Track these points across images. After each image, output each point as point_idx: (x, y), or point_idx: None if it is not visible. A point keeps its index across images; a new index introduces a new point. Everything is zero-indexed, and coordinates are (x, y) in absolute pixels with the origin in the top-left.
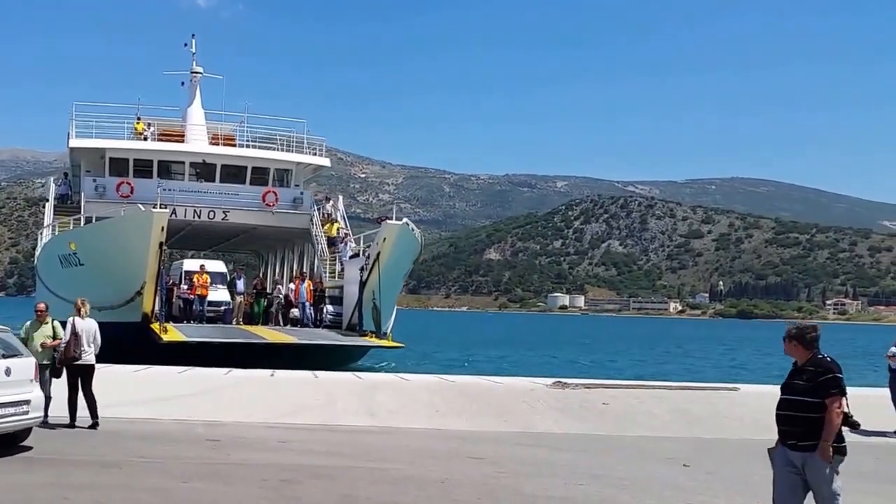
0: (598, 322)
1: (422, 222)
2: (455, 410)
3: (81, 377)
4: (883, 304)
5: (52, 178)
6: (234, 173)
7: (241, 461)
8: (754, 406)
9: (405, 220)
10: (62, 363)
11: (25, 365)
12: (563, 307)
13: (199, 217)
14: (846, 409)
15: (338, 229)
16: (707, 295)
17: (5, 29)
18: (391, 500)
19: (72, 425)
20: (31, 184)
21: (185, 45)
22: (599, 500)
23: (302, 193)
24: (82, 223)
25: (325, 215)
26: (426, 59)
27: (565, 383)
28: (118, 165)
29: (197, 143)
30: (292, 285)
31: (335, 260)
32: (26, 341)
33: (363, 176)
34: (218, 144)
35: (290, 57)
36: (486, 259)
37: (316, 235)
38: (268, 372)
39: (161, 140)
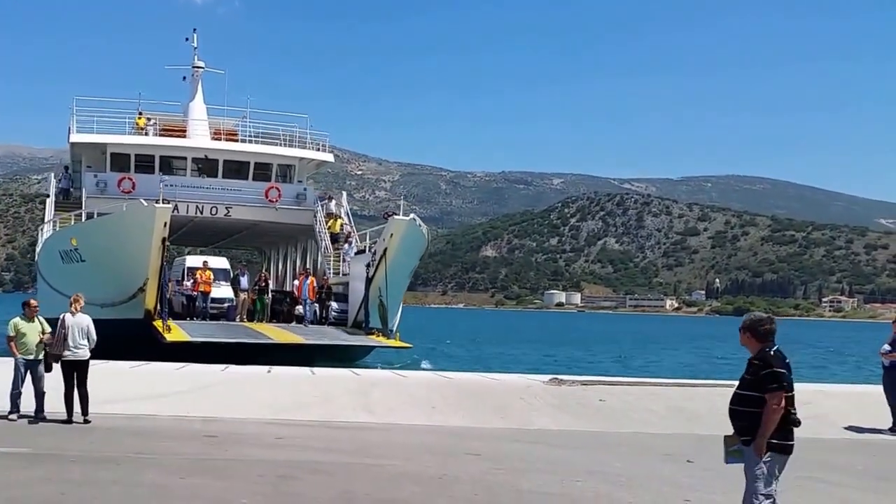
0: (606, 320)
1: None
2: (452, 407)
3: (76, 373)
4: (879, 302)
5: (52, 174)
6: (236, 169)
7: (239, 457)
8: None
9: (412, 215)
10: (53, 359)
11: None
12: (560, 304)
13: (202, 213)
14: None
15: (341, 225)
16: (703, 292)
17: (1, 26)
18: (389, 496)
19: (69, 421)
20: (27, 180)
21: (187, 39)
22: (596, 496)
23: (305, 189)
24: (83, 219)
25: (328, 214)
26: (423, 57)
27: (562, 380)
28: (119, 161)
29: (199, 138)
30: (296, 282)
31: (339, 257)
32: (14, 338)
33: (359, 173)
34: (220, 139)
35: (287, 54)
36: (483, 256)
37: (319, 232)
38: (265, 368)
39: (163, 135)
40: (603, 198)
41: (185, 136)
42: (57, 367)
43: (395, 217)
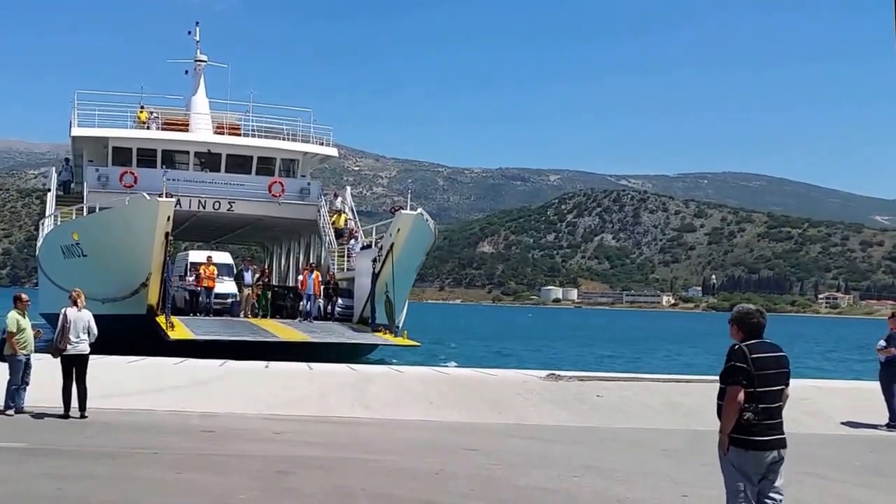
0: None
1: None
2: (449, 402)
3: (76, 367)
4: (874, 298)
5: (52, 168)
6: (239, 163)
7: (236, 452)
8: None
9: (420, 210)
10: (54, 354)
11: None
12: (557, 300)
13: (204, 207)
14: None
15: (345, 220)
16: (700, 288)
17: None
18: (386, 491)
19: (66, 415)
20: (23, 175)
21: (189, 32)
22: (593, 491)
23: (309, 184)
24: (85, 213)
25: (331, 209)
26: (421, 53)
27: (559, 375)
28: (121, 155)
29: (202, 132)
30: (301, 277)
31: (343, 253)
32: (15, 333)
33: (357, 169)
34: (223, 134)
35: (284, 50)
36: (480, 252)
37: (323, 227)
38: (262, 364)
39: (165, 129)
40: (600, 194)
41: (187, 131)
42: (56, 361)
43: (403, 212)
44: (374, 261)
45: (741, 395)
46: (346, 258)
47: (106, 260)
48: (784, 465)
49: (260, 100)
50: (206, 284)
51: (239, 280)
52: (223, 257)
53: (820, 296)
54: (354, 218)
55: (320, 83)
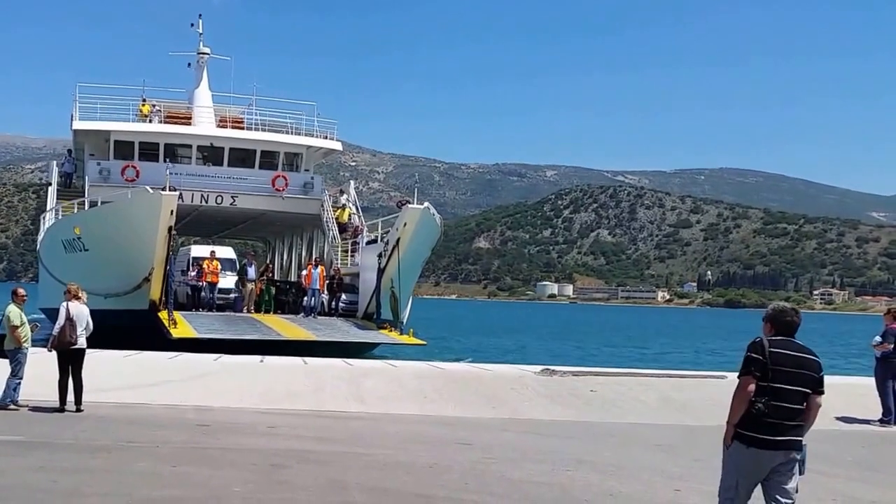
0: (602, 311)
1: None
2: (444, 397)
3: (73, 361)
4: (869, 295)
5: (53, 161)
6: (242, 157)
7: (231, 446)
8: None
9: (426, 204)
10: (57, 347)
11: None
12: (552, 296)
13: (207, 202)
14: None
15: (349, 215)
16: (695, 284)
17: None
18: (380, 485)
19: (61, 409)
20: (20, 169)
21: (192, 25)
22: (586, 485)
23: (312, 178)
24: (86, 207)
25: (334, 204)
26: (419, 48)
27: (553, 370)
28: (123, 148)
29: (204, 125)
30: (305, 272)
31: (348, 249)
32: (18, 326)
33: (353, 164)
34: (226, 127)
35: (281, 45)
36: (476, 247)
37: (327, 221)
38: (257, 358)
39: (167, 122)
40: (596, 190)
41: (190, 124)
42: (50, 355)
43: (410, 205)
44: (380, 255)
45: (751, 387)
46: (349, 253)
47: (108, 254)
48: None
49: (260, 94)
50: (209, 279)
51: (242, 275)
52: (225, 252)
53: (815, 292)
54: (358, 213)
55: (317, 78)
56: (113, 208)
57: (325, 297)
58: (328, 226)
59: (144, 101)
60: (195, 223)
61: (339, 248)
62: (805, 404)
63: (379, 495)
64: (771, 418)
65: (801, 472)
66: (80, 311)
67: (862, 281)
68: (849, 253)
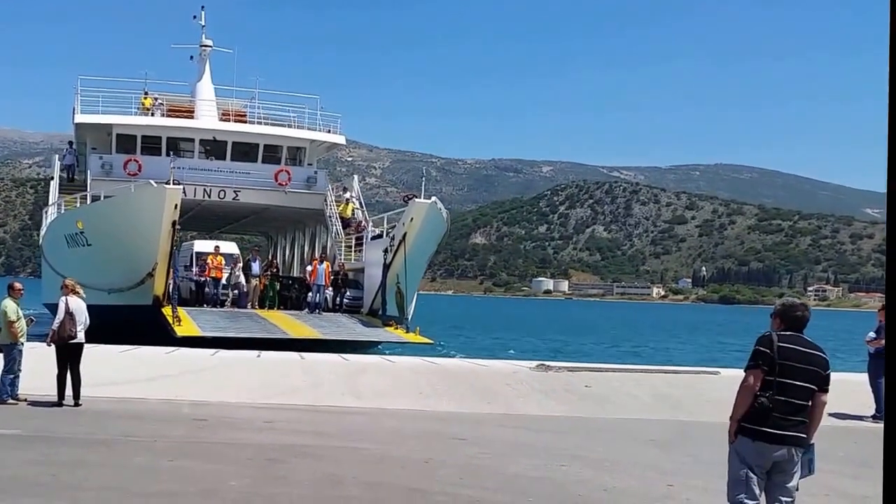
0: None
1: None
2: (439, 392)
3: (71, 356)
4: (863, 291)
5: (55, 155)
6: (245, 151)
7: (227, 440)
8: (735, 390)
9: (434, 198)
10: (57, 342)
11: None
12: (548, 291)
13: (209, 196)
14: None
15: (353, 210)
16: (690, 280)
17: None
18: (376, 479)
19: (60, 403)
20: (18, 164)
21: (195, 17)
22: (580, 480)
23: (316, 172)
24: (89, 201)
25: (338, 199)
26: (415, 44)
27: (548, 366)
28: (125, 142)
29: (207, 119)
30: (309, 267)
31: (352, 244)
32: (14, 321)
33: (350, 159)
34: (229, 121)
35: (278, 40)
36: (472, 243)
37: (331, 216)
38: (254, 353)
39: (170, 116)
40: (592, 186)
41: (192, 117)
42: (48, 349)
43: (416, 200)
44: (386, 251)
45: (752, 380)
46: (353, 249)
47: (111, 249)
48: None
49: (262, 88)
50: (213, 275)
51: (247, 270)
52: (229, 247)
53: (809, 288)
54: (362, 208)
55: (313, 73)
56: (116, 202)
57: (329, 292)
58: (332, 221)
59: (146, 94)
60: (197, 218)
61: (343, 244)
62: (810, 402)
63: (374, 489)
64: (775, 413)
65: (810, 472)
66: (79, 306)
67: (856, 277)
68: (843, 249)
